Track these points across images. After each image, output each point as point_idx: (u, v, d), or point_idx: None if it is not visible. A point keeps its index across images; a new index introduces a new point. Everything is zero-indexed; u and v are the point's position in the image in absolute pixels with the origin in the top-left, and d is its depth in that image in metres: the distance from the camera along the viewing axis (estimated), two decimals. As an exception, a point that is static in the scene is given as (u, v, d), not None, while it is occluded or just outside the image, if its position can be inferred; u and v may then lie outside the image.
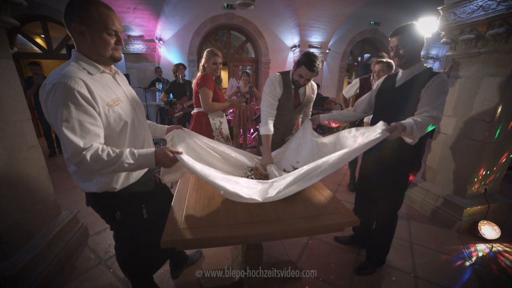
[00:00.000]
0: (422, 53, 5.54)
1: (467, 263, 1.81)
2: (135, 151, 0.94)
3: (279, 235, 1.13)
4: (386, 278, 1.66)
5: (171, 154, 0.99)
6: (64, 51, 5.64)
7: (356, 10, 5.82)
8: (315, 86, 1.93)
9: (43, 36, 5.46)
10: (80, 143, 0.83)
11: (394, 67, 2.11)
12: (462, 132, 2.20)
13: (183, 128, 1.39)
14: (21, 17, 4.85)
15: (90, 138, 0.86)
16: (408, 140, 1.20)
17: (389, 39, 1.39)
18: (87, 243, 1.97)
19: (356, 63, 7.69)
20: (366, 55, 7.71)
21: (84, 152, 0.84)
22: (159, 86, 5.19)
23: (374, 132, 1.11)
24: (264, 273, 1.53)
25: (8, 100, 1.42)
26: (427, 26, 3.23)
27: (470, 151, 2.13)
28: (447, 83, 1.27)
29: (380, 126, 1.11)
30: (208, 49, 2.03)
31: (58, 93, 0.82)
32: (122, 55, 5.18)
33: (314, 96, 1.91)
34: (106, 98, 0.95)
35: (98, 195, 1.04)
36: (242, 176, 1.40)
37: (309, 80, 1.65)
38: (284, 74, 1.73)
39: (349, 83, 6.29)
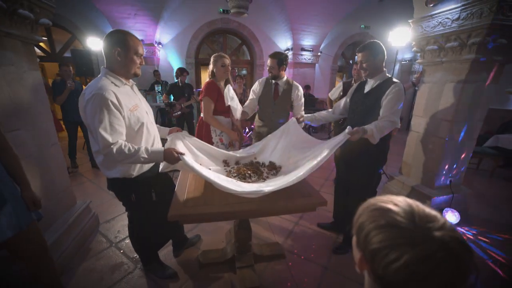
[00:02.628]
0: (410, 55, 5.81)
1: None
2: (149, 148, 1.22)
3: (263, 212, 1.40)
4: (358, 255, 1.94)
5: (176, 155, 1.25)
6: (67, 54, 5.86)
7: (347, 14, 6.11)
8: (300, 89, 2.28)
9: (45, 38, 5.68)
10: (110, 139, 1.11)
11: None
12: (430, 131, 2.49)
13: (181, 130, 1.66)
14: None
15: (116, 135, 1.14)
16: (371, 140, 1.52)
17: (356, 54, 1.68)
18: (99, 230, 2.23)
19: (347, 64, 8.00)
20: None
21: (112, 146, 1.11)
22: (158, 88, 5.44)
23: (340, 136, 1.43)
24: (253, 252, 1.81)
25: (37, 105, 1.68)
26: (401, 35, 3.53)
27: (437, 147, 2.43)
28: (401, 92, 1.56)
29: (345, 131, 1.43)
30: (214, 54, 2.07)
31: (96, 101, 1.11)
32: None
33: (296, 95, 2.23)
34: (128, 104, 1.24)
35: (118, 180, 1.32)
36: (223, 170, 1.68)
37: (272, 68, 2.13)
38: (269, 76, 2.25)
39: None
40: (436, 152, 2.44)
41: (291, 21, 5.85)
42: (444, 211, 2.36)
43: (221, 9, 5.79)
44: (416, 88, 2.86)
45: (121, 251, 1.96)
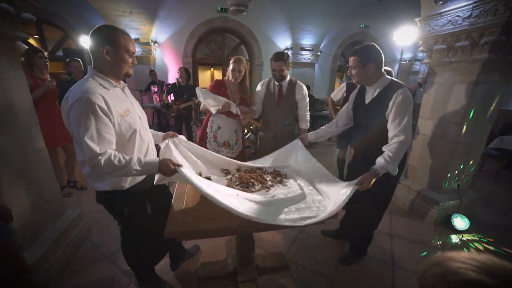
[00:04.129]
0: (409, 55, 5.73)
1: (439, 252, 2.01)
2: (142, 159, 1.09)
3: (269, 226, 1.28)
4: (367, 267, 1.85)
5: (173, 166, 1.13)
6: (59, 53, 5.68)
7: (346, 13, 6.03)
8: (304, 88, 2.17)
9: (36, 37, 5.49)
10: (97, 149, 0.98)
11: (392, 74, 2.17)
12: (437, 133, 2.41)
13: (177, 134, 1.54)
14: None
15: (105, 144, 1.01)
16: (390, 172, 1.31)
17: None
18: (91, 240, 2.09)
19: (347, 65, 7.92)
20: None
21: (99, 157, 0.98)
22: (154, 89, 5.29)
23: (348, 189, 1.25)
24: (256, 264, 1.70)
25: (21, 108, 1.54)
26: (407, 34, 3.44)
27: (444, 151, 2.34)
28: (407, 99, 1.31)
29: (354, 182, 1.27)
30: (234, 57, 2.03)
31: (81, 106, 0.98)
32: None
33: (300, 94, 2.13)
34: (119, 109, 1.11)
35: (108, 193, 1.19)
36: (223, 178, 1.57)
37: (281, 71, 2.02)
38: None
39: (340, 84, 6.50)
40: (444, 155, 2.36)
41: (290, 20, 5.74)
42: (452, 217, 2.27)
43: (219, 8, 5.66)
44: (422, 89, 2.77)
45: (115, 264, 1.83)
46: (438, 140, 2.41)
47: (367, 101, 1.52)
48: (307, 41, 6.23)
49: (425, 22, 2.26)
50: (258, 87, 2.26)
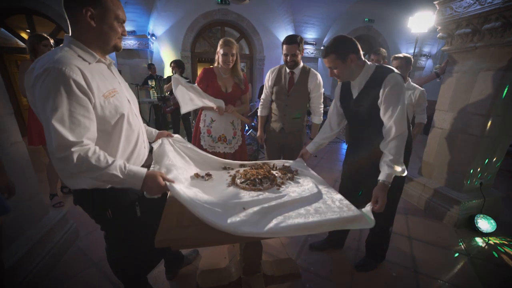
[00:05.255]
0: (416, 50, 5.49)
1: (465, 257, 1.82)
2: (127, 165, 0.88)
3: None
4: (387, 274, 1.65)
5: (163, 182, 0.92)
6: (51, 47, 5.44)
7: (350, 7, 5.82)
8: (319, 76, 1.93)
9: (28, 31, 5.26)
10: (69, 136, 0.77)
11: (412, 62, 2.01)
12: (458, 127, 2.21)
13: (172, 135, 1.36)
14: (5, 10, 4.63)
15: (80, 131, 0.79)
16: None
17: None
18: (78, 244, 1.88)
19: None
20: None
21: (72, 149, 0.77)
22: (151, 83, 5.07)
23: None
24: (263, 272, 1.50)
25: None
26: (422, 21, 3.22)
27: (466, 146, 2.14)
28: (397, 85, 1.15)
29: (367, 209, 1.09)
30: (223, 38, 1.81)
31: (50, 79, 0.76)
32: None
33: (314, 83, 1.90)
34: (102, 88, 0.89)
35: (87, 192, 0.97)
36: (225, 174, 1.37)
37: (294, 55, 1.79)
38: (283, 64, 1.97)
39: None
40: (465, 150, 2.16)
41: (292, 12, 5.54)
42: (476, 217, 2.07)
43: (219, 0, 5.44)
44: (438, 80, 2.58)
45: (103, 272, 1.62)
46: (458, 134, 2.21)
47: (354, 96, 1.35)
48: (310, 34, 6.02)
49: (445, 4, 2.05)
50: (267, 76, 2.05)
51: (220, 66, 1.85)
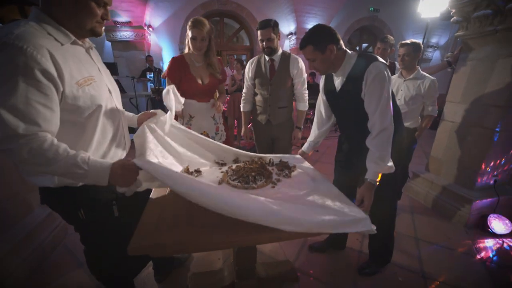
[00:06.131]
0: (420, 39, 5.21)
1: (478, 260, 1.69)
2: (91, 157, 0.76)
3: (273, 237, 0.96)
4: (392, 278, 1.53)
5: (131, 162, 0.80)
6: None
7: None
8: (300, 61, 1.84)
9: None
10: (18, 127, 0.64)
11: (422, 49, 1.87)
12: (471, 119, 2.05)
13: (156, 112, 1.14)
14: (-3, 1, 4.48)
15: (36, 121, 0.67)
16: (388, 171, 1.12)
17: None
18: (65, 244, 1.79)
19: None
20: (364, 45, 7.48)
21: (21, 141, 0.64)
22: (150, 76, 4.93)
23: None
24: (258, 275, 1.39)
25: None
26: (434, 4, 2.99)
27: (480, 140, 1.98)
28: (379, 75, 1.06)
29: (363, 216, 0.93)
30: (193, 18, 1.53)
31: (4, 58, 0.62)
32: (109, 43, 4.89)
33: (298, 71, 1.82)
34: (76, 75, 0.76)
35: (55, 191, 0.85)
36: (218, 170, 1.24)
37: (270, 40, 1.69)
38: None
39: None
40: (479, 145, 2.00)
41: (294, 2, 5.30)
42: (489, 217, 1.93)
43: (217, -12, 5.23)
44: (449, 69, 2.40)
45: (89, 273, 1.52)
46: (471, 127, 2.05)
47: (338, 88, 1.26)
48: (312, 25, 5.77)
49: (462, -16, 1.87)
50: (247, 67, 1.94)
51: (191, 52, 1.60)
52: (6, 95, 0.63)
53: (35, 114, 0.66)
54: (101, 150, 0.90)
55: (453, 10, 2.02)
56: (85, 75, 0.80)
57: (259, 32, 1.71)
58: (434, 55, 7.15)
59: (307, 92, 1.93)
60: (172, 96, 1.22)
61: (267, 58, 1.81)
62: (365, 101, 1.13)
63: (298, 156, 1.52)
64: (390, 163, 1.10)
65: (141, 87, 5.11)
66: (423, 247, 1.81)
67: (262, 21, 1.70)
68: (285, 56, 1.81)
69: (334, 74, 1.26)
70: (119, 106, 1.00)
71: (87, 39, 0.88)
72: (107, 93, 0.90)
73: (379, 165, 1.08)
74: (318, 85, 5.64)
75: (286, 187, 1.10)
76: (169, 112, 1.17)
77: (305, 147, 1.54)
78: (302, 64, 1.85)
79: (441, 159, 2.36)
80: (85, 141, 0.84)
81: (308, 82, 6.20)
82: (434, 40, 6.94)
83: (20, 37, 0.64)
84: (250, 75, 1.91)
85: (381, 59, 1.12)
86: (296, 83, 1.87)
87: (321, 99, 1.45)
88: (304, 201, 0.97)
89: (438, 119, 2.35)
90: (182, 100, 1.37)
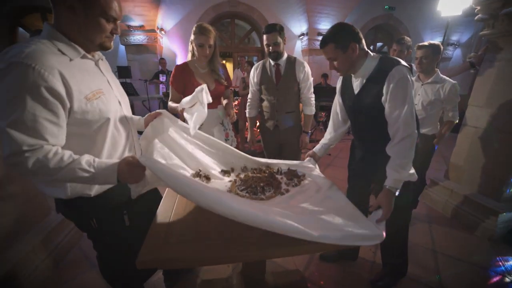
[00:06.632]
0: (439, 39, 5.01)
1: (507, 279, 1.57)
2: (96, 159, 0.77)
3: (285, 252, 0.93)
4: (408, 293, 1.45)
5: (137, 158, 0.79)
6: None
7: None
8: (306, 65, 1.83)
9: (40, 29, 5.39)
10: (25, 142, 0.65)
11: (441, 51, 1.76)
12: (497, 125, 1.91)
13: (161, 111, 1.11)
14: (21, 10, 4.76)
15: (42, 136, 0.68)
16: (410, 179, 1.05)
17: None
18: (80, 245, 1.85)
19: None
20: (379, 44, 7.24)
21: (26, 154, 0.65)
22: (162, 78, 5.03)
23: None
24: (267, 285, 1.36)
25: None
26: (455, 2, 2.80)
27: (508, 147, 1.85)
28: (402, 80, 1.01)
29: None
30: (196, 24, 1.52)
31: (14, 76, 0.64)
32: (123, 47, 5.03)
33: (304, 75, 1.79)
34: (84, 89, 0.77)
35: (68, 201, 0.87)
36: (226, 179, 1.21)
37: (276, 45, 1.67)
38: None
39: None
40: (505, 153, 1.87)
41: (306, 2, 5.22)
42: (517, 231, 1.80)
43: (228, -10, 5.25)
44: (472, 71, 2.25)
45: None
46: (498, 133, 1.91)
47: (356, 91, 1.21)
48: (325, 25, 5.67)
49: (488, -20, 1.74)
50: (252, 73, 1.92)
51: (195, 59, 1.58)
52: (14, 113, 0.65)
53: (42, 130, 0.68)
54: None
55: (478, 7, 1.89)
56: (93, 88, 0.81)
57: (265, 36, 1.69)
58: (455, 54, 6.80)
59: (313, 96, 1.90)
60: (205, 94, 1.26)
61: (272, 62, 1.80)
62: (387, 107, 1.07)
63: (307, 163, 1.41)
64: (412, 171, 1.05)
65: (154, 89, 5.22)
66: (442, 260, 1.71)
67: (268, 26, 1.69)
68: (291, 61, 1.80)
69: (353, 76, 1.22)
70: (129, 114, 1.01)
71: (97, 52, 0.89)
72: (117, 104, 0.91)
73: (399, 173, 1.02)
74: (331, 87, 5.52)
75: (295, 199, 1.07)
76: (200, 107, 1.21)
77: (317, 148, 1.46)
78: (308, 68, 1.83)
79: (463, 167, 2.22)
80: (96, 153, 0.85)
81: (320, 83, 6.08)
82: (455, 38, 6.59)
83: (30, 56, 0.65)
84: (255, 80, 1.89)
85: (404, 63, 1.07)
86: (303, 88, 1.84)
87: (337, 101, 1.40)
88: (313, 216, 0.93)
89: (459, 123, 2.22)
90: (210, 99, 1.35)
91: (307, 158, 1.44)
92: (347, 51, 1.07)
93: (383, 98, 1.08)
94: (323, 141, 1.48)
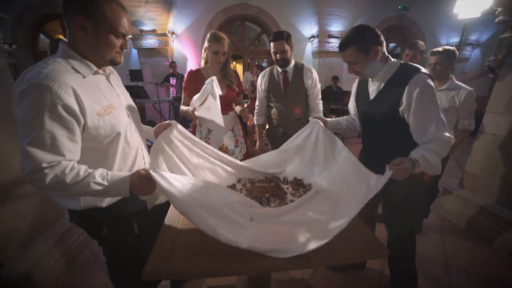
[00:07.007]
0: (455, 40, 4.81)
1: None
2: (109, 172, 0.80)
3: (289, 266, 0.92)
4: (418, 309, 1.40)
5: (147, 171, 0.80)
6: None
7: (382, -7, 5.27)
8: (314, 71, 1.82)
9: (61, 37, 5.64)
10: (45, 159, 0.69)
11: (457, 57, 1.69)
12: (518, 133, 1.81)
13: (170, 122, 1.12)
14: (42, 17, 5.00)
15: (60, 152, 0.72)
16: (431, 171, 0.99)
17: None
18: (91, 246, 1.91)
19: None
20: (392, 45, 7.05)
21: (46, 171, 0.69)
22: (173, 81, 5.12)
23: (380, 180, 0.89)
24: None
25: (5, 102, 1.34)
26: (474, 3, 2.68)
27: (529, 157, 1.75)
28: (427, 87, 0.98)
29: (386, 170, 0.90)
30: (212, 31, 1.57)
31: (34, 96, 0.68)
32: (135, 50, 5.17)
33: (312, 82, 1.79)
34: (96, 106, 0.80)
35: (80, 212, 0.91)
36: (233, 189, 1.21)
37: (284, 52, 1.67)
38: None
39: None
40: (526, 163, 1.77)
41: (317, 3, 5.16)
42: (538, 246, 1.69)
43: (238, -6, 5.28)
44: (491, 75, 2.15)
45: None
46: (518, 142, 1.82)
47: (372, 96, 1.18)
48: (336, 27, 5.58)
49: (509, -19, 1.66)
50: (259, 80, 1.91)
51: (208, 66, 1.63)
52: (34, 131, 0.69)
53: (60, 146, 0.72)
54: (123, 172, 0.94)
55: (499, 9, 1.80)
56: (104, 104, 0.84)
57: (272, 44, 1.69)
58: (473, 54, 6.51)
59: (321, 102, 1.89)
60: (215, 85, 1.31)
61: (280, 70, 1.80)
62: (413, 117, 1.02)
63: (316, 122, 1.32)
64: (440, 166, 0.98)
65: (164, 92, 5.32)
66: (455, 274, 1.64)
67: (275, 33, 1.69)
68: (298, 67, 1.79)
69: (370, 80, 1.18)
70: (138, 127, 1.04)
71: (109, 66, 0.93)
72: (126, 117, 0.94)
73: (432, 156, 0.93)
74: (341, 91, 5.44)
75: (301, 208, 1.05)
76: (211, 100, 1.31)
77: (330, 121, 1.40)
78: (315, 74, 1.82)
79: (479, 175, 2.13)
80: (107, 166, 0.88)
81: (330, 86, 5.98)
82: (473, 37, 6.30)
83: (48, 77, 0.69)
84: (263, 87, 1.89)
85: (424, 70, 1.03)
86: (311, 94, 1.83)
87: (352, 104, 1.39)
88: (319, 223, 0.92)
89: (476, 129, 2.12)
90: (220, 92, 1.43)
91: (312, 120, 1.36)
92: (369, 54, 1.05)
93: (401, 107, 1.04)
94: (341, 119, 1.45)
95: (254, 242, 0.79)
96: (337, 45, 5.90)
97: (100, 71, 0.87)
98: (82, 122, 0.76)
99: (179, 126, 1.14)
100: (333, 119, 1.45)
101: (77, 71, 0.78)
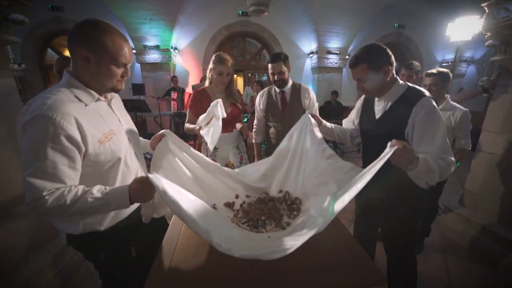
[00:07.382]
0: (451, 56, 4.94)
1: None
2: (106, 187, 0.80)
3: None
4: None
5: (145, 175, 0.80)
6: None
7: (379, 11, 5.47)
8: (311, 91, 1.86)
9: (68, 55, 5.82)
10: (46, 187, 0.70)
11: (451, 78, 1.73)
12: (514, 153, 1.82)
13: (164, 133, 1.13)
14: (50, 33, 5.18)
15: (60, 179, 0.73)
16: (429, 179, 0.97)
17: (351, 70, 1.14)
18: (86, 265, 1.87)
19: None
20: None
21: (46, 197, 0.70)
22: (174, 95, 5.22)
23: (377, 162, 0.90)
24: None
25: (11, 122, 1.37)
26: (465, 27, 2.79)
27: (527, 176, 1.75)
28: (433, 109, 1.00)
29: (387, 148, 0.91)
30: (216, 54, 1.64)
31: (38, 127, 0.70)
32: (138, 65, 5.30)
33: (309, 101, 1.82)
34: (98, 133, 0.82)
35: (78, 236, 0.91)
36: (230, 211, 1.19)
37: (281, 73, 1.71)
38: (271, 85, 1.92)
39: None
40: (526, 182, 1.77)
41: (316, 21, 5.36)
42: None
43: (240, 11, 5.50)
44: (486, 95, 2.19)
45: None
46: (515, 161, 1.82)
47: (377, 115, 1.18)
48: (334, 44, 5.76)
49: (499, 6, 1.73)
50: (257, 100, 1.96)
51: (213, 85, 1.70)
52: (37, 162, 0.70)
53: (61, 175, 0.73)
54: None
55: (488, 33, 1.87)
56: (105, 131, 0.85)
57: (270, 65, 1.74)
58: (468, 70, 6.66)
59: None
60: (219, 108, 1.36)
61: (277, 90, 1.83)
62: (417, 134, 1.02)
63: (307, 116, 1.30)
64: (437, 176, 0.95)
65: (166, 106, 5.41)
66: (459, 298, 1.59)
67: (273, 55, 1.75)
68: (296, 88, 1.84)
69: (376, 99, 1.19)
70: (138, 150, 1.05)
71: (109, 93, 0.95)
72: (127, 142, 0.96)
73: (432, 163, 0.91)
74: (341, 106, 5.50)
75: (297, 229, 1.04)
76: (215, 121, 1.35)
77: (324, 123, 1.38)
78: (313, 94, 1.86)
79: (478, 194, 2.11)
80: None
81: (329, 101, 6.05)
82: (468, 54, 6.49)
83: (51, 108, 0.72)
84: (261, 107, 1.93)
85: (429, 94, 1.06)
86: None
87: (351, 120, 1.39)
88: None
89: (474, 146, 2.12)
90: (225, 114, 1.46)
91: (305, 115, 1.33)
92: (380, 73, 1.05)
93: (407, 128, 1.04)
94: (335, 126, 1.43)
95: (245, 249, 0.73)
96: (336, 61, 6.07)
97: (102, 98, 0.89)
98: (83, 150, 0.78)
99: (173, 135, 1.15)
100: (327, 125, 1.42)
101: (80, 100, 0.81)
